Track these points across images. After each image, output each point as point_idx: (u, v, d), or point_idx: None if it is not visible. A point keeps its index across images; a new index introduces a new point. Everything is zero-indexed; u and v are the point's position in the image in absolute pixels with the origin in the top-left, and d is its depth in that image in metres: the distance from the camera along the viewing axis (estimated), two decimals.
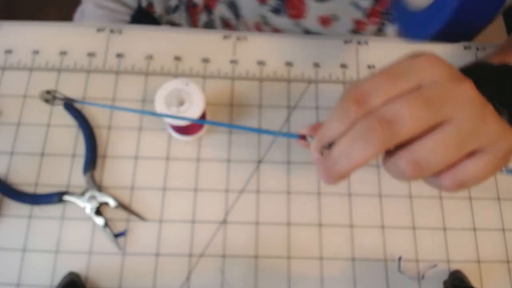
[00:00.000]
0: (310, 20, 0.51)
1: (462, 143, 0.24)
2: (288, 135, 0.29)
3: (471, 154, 0.24)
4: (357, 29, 0.53)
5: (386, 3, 0.49)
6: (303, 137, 0.28)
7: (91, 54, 0.47)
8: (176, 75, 0.47)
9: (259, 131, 0.32)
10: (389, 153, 0.25)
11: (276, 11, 0.52)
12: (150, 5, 0.61)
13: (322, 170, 0.26)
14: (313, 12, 0.51)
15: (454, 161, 0.24)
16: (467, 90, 0.24)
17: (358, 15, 0.51)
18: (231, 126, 0.42)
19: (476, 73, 0.32)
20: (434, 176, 0.25)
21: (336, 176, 0.25)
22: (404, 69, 0.25)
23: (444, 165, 0.24)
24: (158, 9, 0.61)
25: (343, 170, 0.25)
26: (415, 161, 0.24)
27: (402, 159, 0.24)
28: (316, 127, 0.29)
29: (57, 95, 0.31)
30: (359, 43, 0.49)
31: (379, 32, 0.54)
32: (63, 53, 0.47)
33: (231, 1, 0.54)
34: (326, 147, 0.26)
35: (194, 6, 0.59)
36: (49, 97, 0.30)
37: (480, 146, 0.24)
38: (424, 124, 0.23)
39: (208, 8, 0.56)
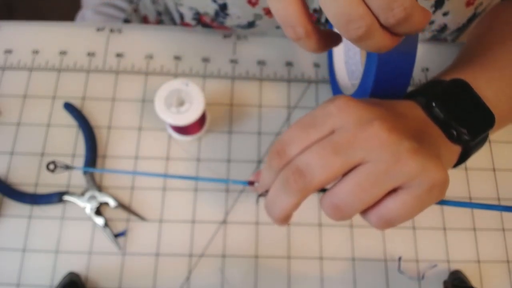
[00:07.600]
0: None
1: (376, 183, 0.24)
2: (238, 182, 0.32)
3: (392, 192, 0.25)
4: None
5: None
6: (251, 183, 0.30)
7: (91, 54, 0.47)
8: (176, 75, 0.47)
9: (211, 180, 0.36)
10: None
11: None
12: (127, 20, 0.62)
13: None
14: None
15: (376, 200, 0.25)
16: (376, 131, 0.24)
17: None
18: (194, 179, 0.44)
19: (428, 92, 0.31)
20: (362, 214, 0.26)
21: (275, 220, 0.27)
22: (316, 117, 0.26)
23: (364, 205, 0.24)
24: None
25: (276, 216, 0.27)
26: (334, 204, 0.25)
27: (324, 203, 0.26)
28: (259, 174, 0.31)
29: (58, 164, 0.33)
30: None
31: None
32: (63, 53, 0.47)
33: None
34: (264, 195, 0.28)
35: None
36: (52, 167, 0.32)
37: (399, 183, 0.24)
38: (335, 170, 0.24)
39: None
